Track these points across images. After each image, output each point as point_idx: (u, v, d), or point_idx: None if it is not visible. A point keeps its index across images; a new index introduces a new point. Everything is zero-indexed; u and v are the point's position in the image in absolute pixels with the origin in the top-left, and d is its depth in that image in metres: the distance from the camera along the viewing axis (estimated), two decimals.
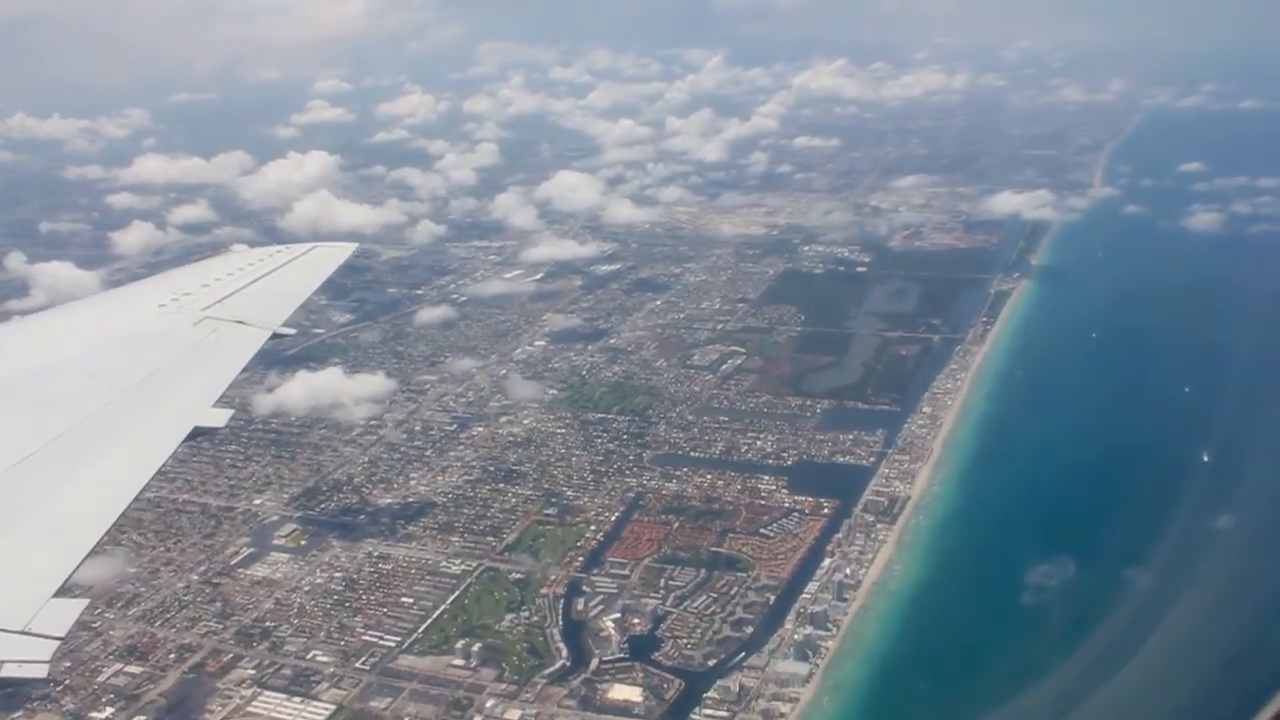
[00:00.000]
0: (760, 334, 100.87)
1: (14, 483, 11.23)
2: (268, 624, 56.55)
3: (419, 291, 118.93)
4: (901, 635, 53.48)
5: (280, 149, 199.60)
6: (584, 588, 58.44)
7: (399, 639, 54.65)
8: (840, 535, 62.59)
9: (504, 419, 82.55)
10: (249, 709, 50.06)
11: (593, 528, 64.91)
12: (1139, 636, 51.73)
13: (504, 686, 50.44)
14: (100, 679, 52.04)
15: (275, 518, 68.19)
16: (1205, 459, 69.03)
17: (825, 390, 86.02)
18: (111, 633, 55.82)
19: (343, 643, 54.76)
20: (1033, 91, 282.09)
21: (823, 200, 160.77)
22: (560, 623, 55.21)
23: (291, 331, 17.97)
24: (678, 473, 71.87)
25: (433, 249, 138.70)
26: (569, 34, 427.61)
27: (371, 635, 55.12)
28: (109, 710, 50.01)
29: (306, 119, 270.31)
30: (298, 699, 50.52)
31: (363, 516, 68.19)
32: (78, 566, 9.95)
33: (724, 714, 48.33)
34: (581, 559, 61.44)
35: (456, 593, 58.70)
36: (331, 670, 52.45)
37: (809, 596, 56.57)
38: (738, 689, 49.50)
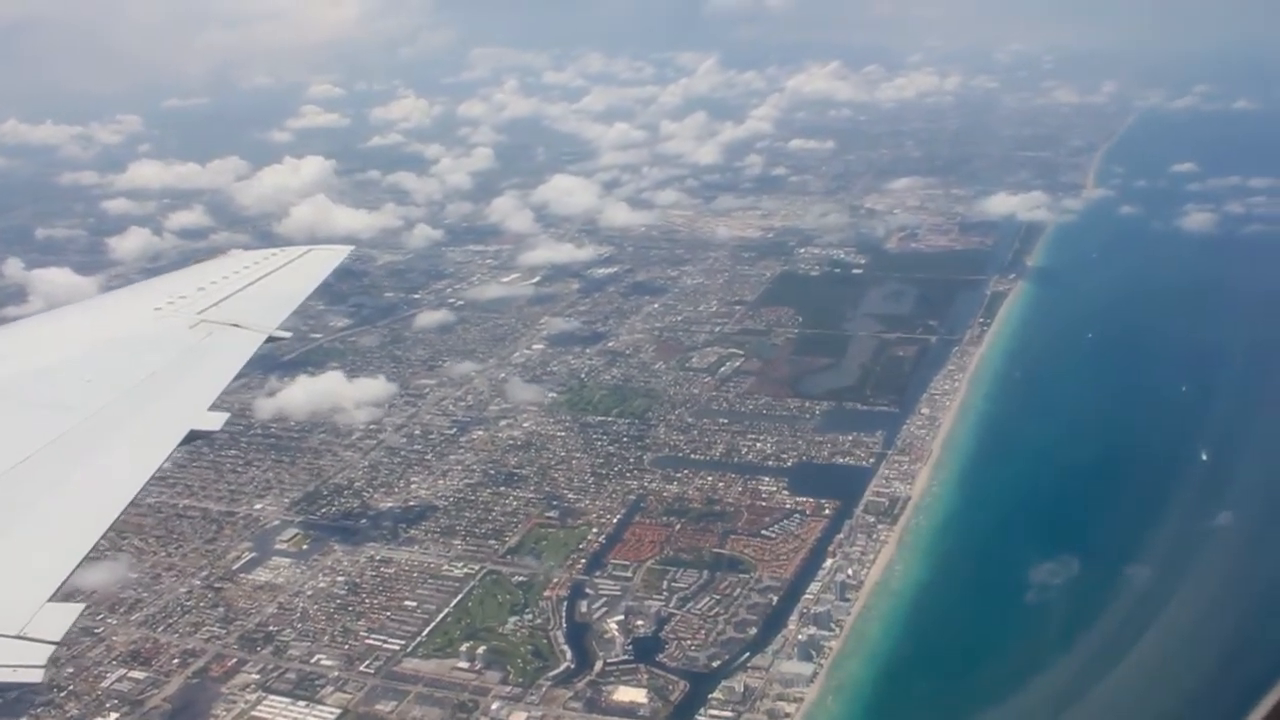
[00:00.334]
0: (758, 336, 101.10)
1: (10, 486, 11.20)
2: (271, 628, 56.48)
3: (416, 296, 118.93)
4: (904, 635, 53.61)
5: (275, 154, 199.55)
6: (587, 590, 58.50)
7: (403, 642, 54.63)
8: (842, 536, 62.74)
9: (503, 422, 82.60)
10: (254, 713, 49.96)
11: (594, 530, 64.98)
12: (1139, 634, 51.94)
13: (509, 689, 50.44)
14: (104, 684, 51.95)
15: (276, 522, 68.15)
16: (1203, 458, 69.35)
17: (824, 392, 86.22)
18: (114, 638, 55.69)
19: (347, 647, 54.75)
20: (1025, 93, 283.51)
21: (818, 203, 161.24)
22: (564, 625, 55.26)
23: (287, 334, 17.98)
24: (678, 475, 72.00)
25: (429, 253, 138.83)
26: (561, 38, 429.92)
27: (375, 639, 55.08)
28: (113, 716, 49.91)
29: (300, 124, 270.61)
30: (303, 703, 50.44)
31: (364, 521, 68.17)
32: (74, 570, 9.91)
33: (729, 714, 48.39)
34: (584, 561, 61.49)
35: (459, 596, 58.70)
36: (336, 674, 52.41)
37: (811, 597, 56.70)
38: (742, 689, 49.59)
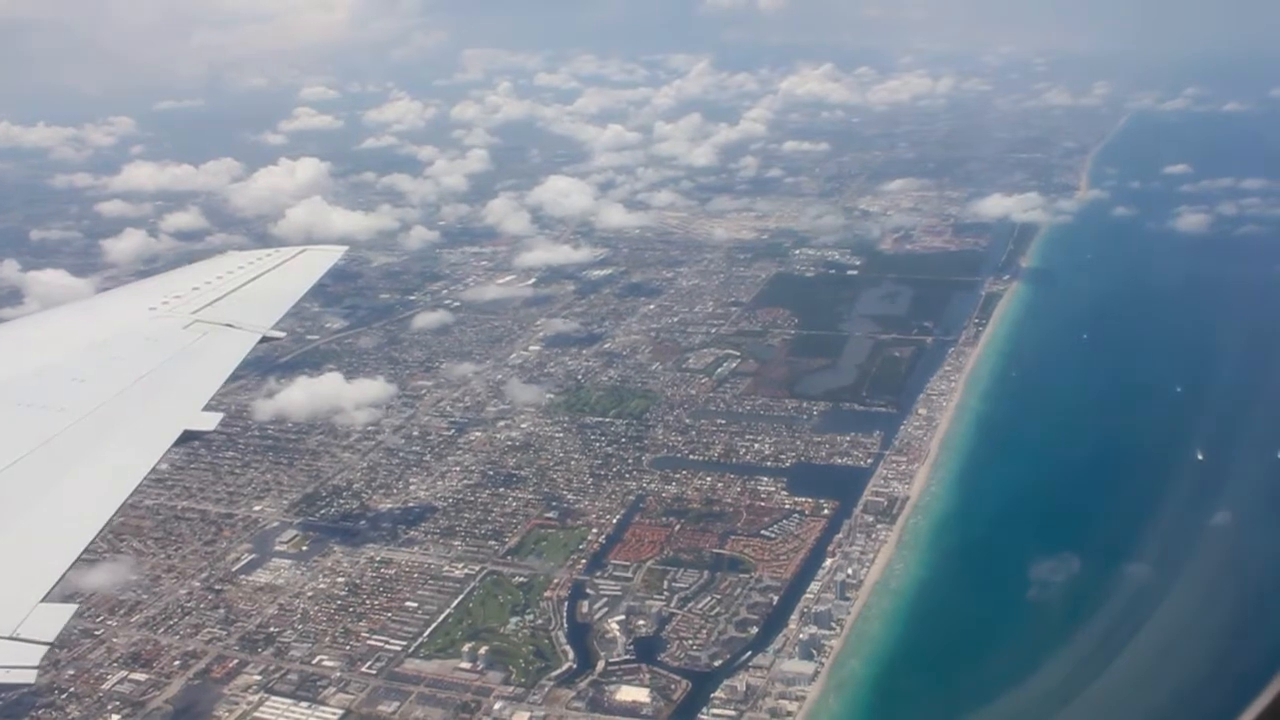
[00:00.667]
0: (754, 337, 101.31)
1: (3, 486, 11.23)
2: (272, 630, 56.43)
3: (412, 297, 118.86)
4: (905, 633, 53.84)
5: (269, 156, 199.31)
6: (588, 590, 58.58)
7: (404, 643, 54.64)
8: (841, 536, 62.95)
9: (501, 423, 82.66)
10: (256, 715, 49.94)
11: (594, 531, 65.07)
12: (1139, 630, 52.17)
13: (511, 689, 50.47)
14: (105, 686, 51.83)
15: (275, 524, 68.08)
16: (1199, 457, 69.70)
17: (821, 392, 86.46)
18: (114, 640, 55.55)
19: (348, 647, 54.72)
20: (1017, 95, 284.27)
21: (813, 204, 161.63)
22: (565, 625, 55.33)
23: (282, 335, 18.16)
24: (677, 475, 72.12)
25: (425, 255, 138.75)
26: (553, 40, 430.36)
27: (377, 640, 55.06)
28: (115, 718, 49.83)
29: (294, 126, 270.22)
30: (305, 704, 50.40)
31: (363, 522, 68.16)
32: (67, 571, 9.95)
33: (731, 713, 48.54)
34: (584, 562, 61.57)
35: (460, 596, 58.72)
36: (338, 675, 52.39)
37: (812, 596, 56.90)
38: (745, 689, 49.73)
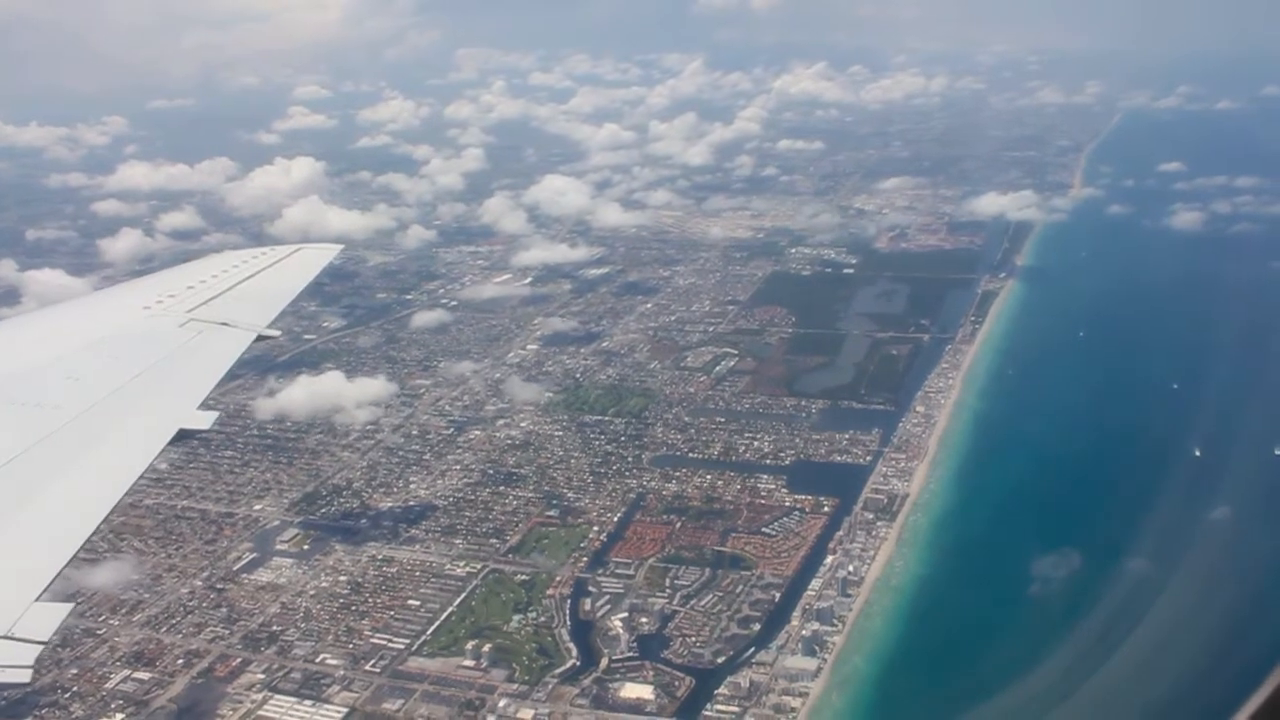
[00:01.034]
0: (752, 336, 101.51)
1: None
2: (275, 628, 56.49)
3: (409, 296, 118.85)
4: (907, 629, 54.12)
5: (263, 155, 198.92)
6: (590, 588, 58.72)
7: (408, 641, 54.74)
8: (841, 533, 63.18)
9: (501, 422, 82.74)
10: (260, 713, 50.01)
11: (595, 529, 65.21)
12: (1137, 625, 52.51)
13: (515, 687, 50.63)
14: (108, 685, 51.84)
15: (276, 523, 68.10)
16: (1196, 453, 70.07)
17: (819, 390, 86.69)
18: (117, 639, 55.54)
19: (351, 646, 54.83)
20: (1010, 94, 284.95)
21: (808, 203, 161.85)
22: (568, 623, 55.50)
23: (277, 333, 18.09)
24: (677, 473, 72.29)
25: (421, 254, 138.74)
26: (546, 39, 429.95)
27: (380, 638, 55.17)
28: (119, 716, 49.79)
29: (288, 125, 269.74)
30: (309, 702, 50.49)
31: (364, 521, 68.19)
32: (63, 569, 9.94)
33: (735, 709, 48.77)
34: (586, 560, 61.72)
35: (463, 595, 58.84)
36: (342, 673, 52.47)
37: (814, 593, 57.14)
38: (748, 685, 49.94)
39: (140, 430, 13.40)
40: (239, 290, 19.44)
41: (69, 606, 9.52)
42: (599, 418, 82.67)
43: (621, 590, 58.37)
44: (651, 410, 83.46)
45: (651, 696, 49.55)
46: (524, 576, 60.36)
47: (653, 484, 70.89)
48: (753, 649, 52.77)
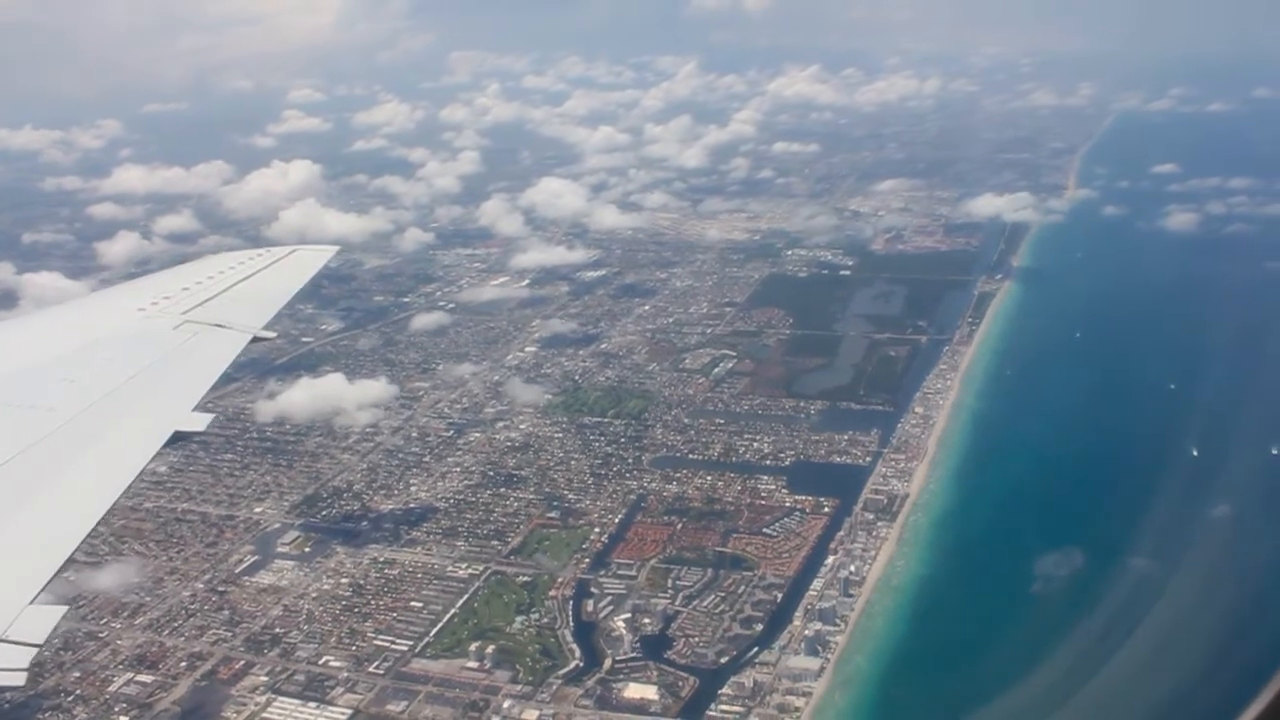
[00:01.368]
0: (750, 337, 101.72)
1: None
2: (277, 630, 56.53)
3: (406, 299, 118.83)
4: (909, 629, 54.36)
5: (259, 158, 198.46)
6: (592, 589, 58.86)
7: (411, 643, 54.84)
8: (842, 533, 63.41)
9: (500, 424, 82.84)
10: (264, 715, 50.07)
11: (597, 530, 65.35)
12: (1138, 623, 52.71)
13: (519, 688, 50.73)
14: (111, 688, 51.87)
15: (277, 525, 68.12)
16: (1193, 453, 70.36)
17: (818, 391, 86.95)
18: (119, 642, 55.56)
19: (354, 648, 54.90)
20: (1004, 96, 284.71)
21: (804, 205, 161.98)
22: (571, 624, 55.62)
23: (273, 335, 18.10)
24: (677, 474, 72.48)
25: (418, 256, 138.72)
26: (539, 42, 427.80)
27: (383, 640, 55.26)
28: (123, 719, 49.92)
29: (283, 129, 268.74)
30: (313, 704, 50.56)
31: (365, 523, 68.27)
32: (58, 572, 9.94)
33: (739, 709, 48.95)
34: (588, 561, 61.86)
35: (465, 596, 58.95)
36: (345, 675, 52.56)
37: (815, 593, 57.34)
38: (752, 685, 50.13)
39: (135, 432, 13.38)
40: (235, 292, 19.43)
41: (64, 609, 9.52)
42: (598, 419, 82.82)
43: (624, 591, 58.52)
44: (651, 412, 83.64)
45: (656, 697, 49.69)
46: (526, 578, 60.47)
47: (653, 485, 71.06)
48: (756, 649, 52.95)
